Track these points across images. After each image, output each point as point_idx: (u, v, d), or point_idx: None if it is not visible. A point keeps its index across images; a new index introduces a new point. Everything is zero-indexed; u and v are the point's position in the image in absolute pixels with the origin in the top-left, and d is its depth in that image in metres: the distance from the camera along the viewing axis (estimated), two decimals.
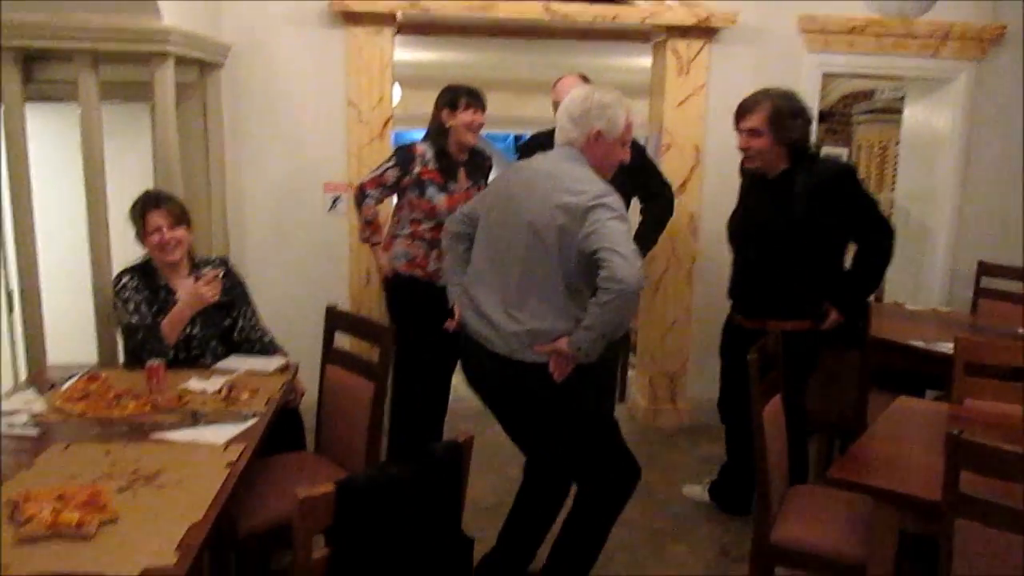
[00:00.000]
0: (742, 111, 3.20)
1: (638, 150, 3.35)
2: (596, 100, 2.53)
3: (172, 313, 2.89)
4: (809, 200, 3.11)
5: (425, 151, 3.58)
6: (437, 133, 3.59)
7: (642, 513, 3.62)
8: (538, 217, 2.45)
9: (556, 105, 3.35)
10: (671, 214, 3.89)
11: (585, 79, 3.65)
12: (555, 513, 2.88)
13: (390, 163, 3.60)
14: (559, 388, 2.49)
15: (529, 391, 2.54)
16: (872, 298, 6.12)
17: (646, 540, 3.41)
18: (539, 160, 2.63)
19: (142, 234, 2.98)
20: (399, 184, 3.58)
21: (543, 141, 3.38)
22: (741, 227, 3.38)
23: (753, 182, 3.34)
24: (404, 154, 3.59)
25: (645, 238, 3.71)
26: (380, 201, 3.66)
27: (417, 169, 3.54)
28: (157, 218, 2.95)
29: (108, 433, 2.29)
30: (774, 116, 3.11)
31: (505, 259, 2.54)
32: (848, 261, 3.30)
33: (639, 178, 3.57)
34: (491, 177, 3.70)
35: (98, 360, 3.37)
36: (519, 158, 3.47)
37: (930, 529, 2.02)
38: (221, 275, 2.97)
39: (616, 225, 2.35)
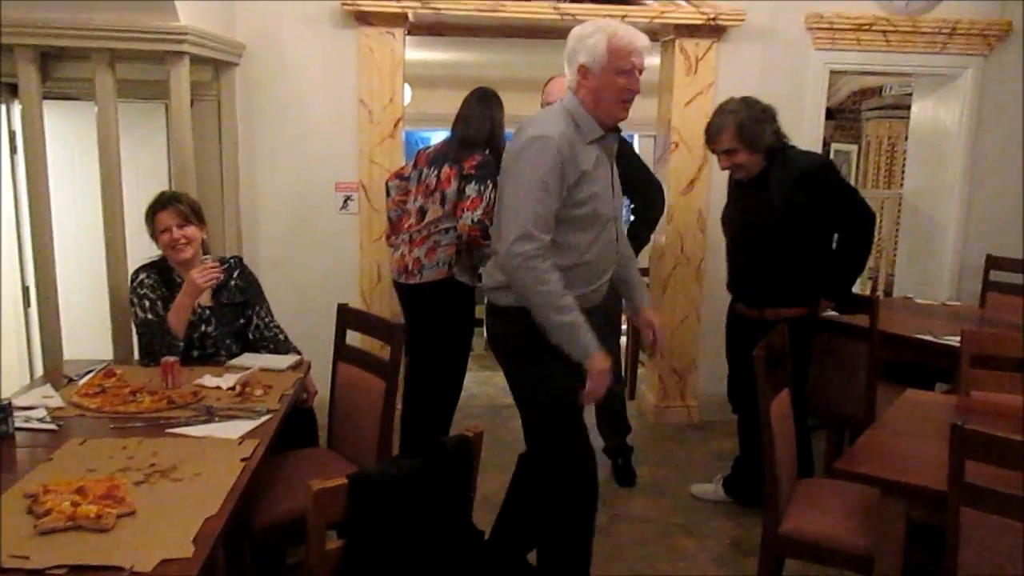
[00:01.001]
0: (710, 136, 3.35)
1: (624, 149, 3.36)
2: (576, 34, 2.46)
3: (174, 304, 2.93)
4: (784, 194, 3.22)
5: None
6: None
7: (653, 509, 3.65)
8: None
9: (545, 106, 3.41)
10: (661, 212, 3.92)
11: None
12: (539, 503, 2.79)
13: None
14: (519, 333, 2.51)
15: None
16: (881, 292, 6.17)
17: (657, 535, 3.44)
18: None
19: (154, 234, 3.04)
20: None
21: None
22: (730, 223, 3.53)
23: (735, 183, 3.49)
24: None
25: (635, 236, 3.68)
26: (403, 194, 3.73)
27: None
28: (166, 218, 3.00)
29: (124, 428, 2.33)
30: (740, 130, 3.23)
31: None
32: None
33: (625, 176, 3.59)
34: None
35: (113, 356, 3.42)
36: None
37: (937, 519, 2.03)
38: (218, 263, 3.00)
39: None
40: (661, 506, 3.68)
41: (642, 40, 2.46)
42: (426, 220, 3.57)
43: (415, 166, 3.71)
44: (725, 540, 3.41)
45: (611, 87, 2.43)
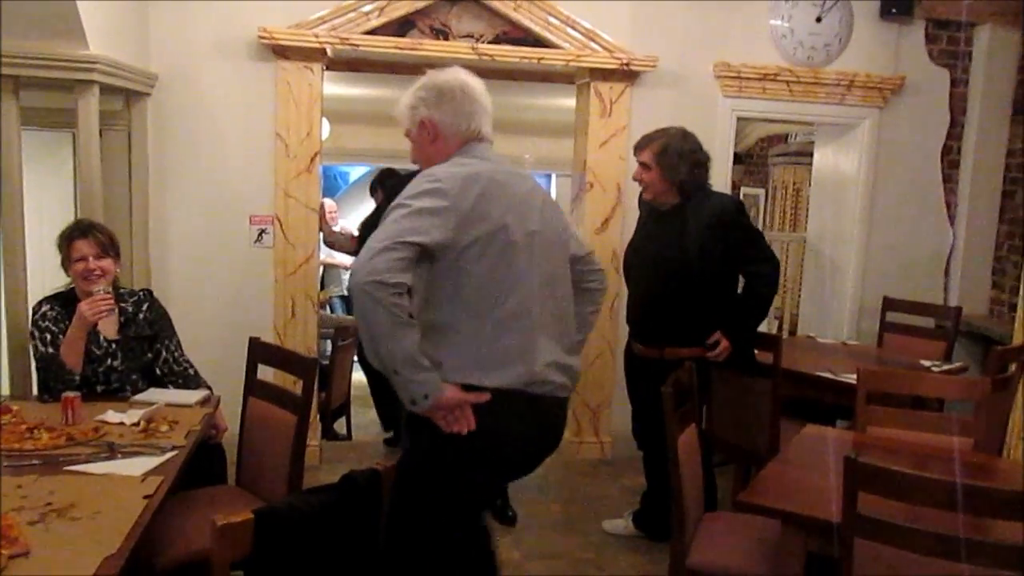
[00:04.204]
0: (638, 145, 3.48)
1: None
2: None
3: (65, 338, 2.84)
4: (698, 232, 3.32)
5: None
6: None
7: (565, 545, 3.67)
8: (554, 227, 2.29)
9: None
10: None
11: None
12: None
13: None
14: None
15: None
16: (786, 330, 6.39)
17: (569, 571, 3.45)
18: (500, 160, 2.30)
19: (67, 261, 2.93)
20: None
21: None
22: (637, 256, 3.57)
23: (649, 213, 3.55)
24: None
25: None
26: None
27: None
28: (83, 247, 2.91)
29: (19, 466, 2.23)
30: (661, 153, 3.36)
31: (551, 284, 2.25)
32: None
33: None
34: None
35: (10, 392, 3.28)
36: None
37: (834, 550, 2.11)
38: (110, 294, 2.89)
39: None
40: (572, 542, 3.70)
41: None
42: None
43: None
44: (635, 575, 3.45)
45: None
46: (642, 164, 3.42)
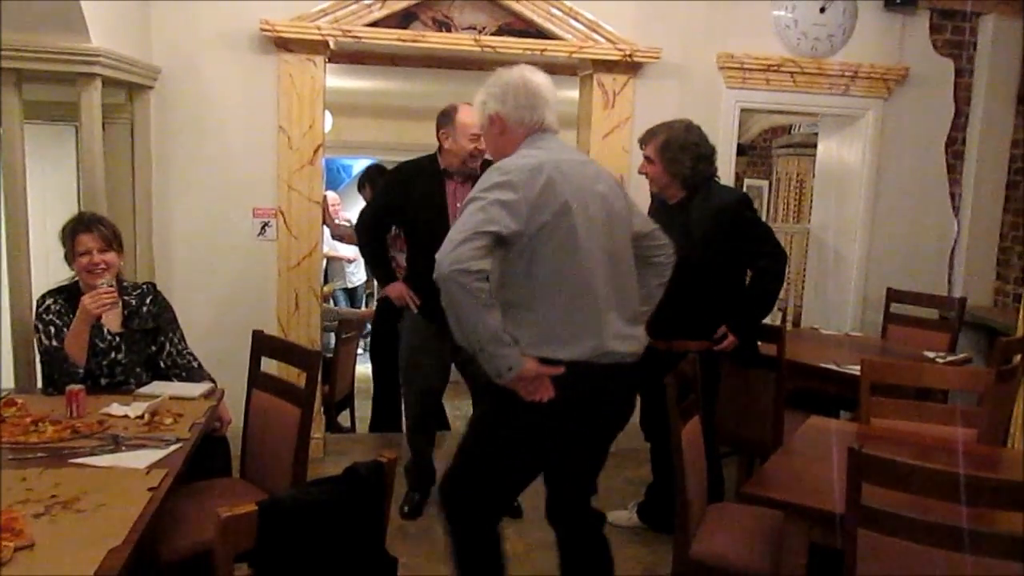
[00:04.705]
0: (642, 139, 3.46)
1: None
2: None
3: (70, 331, 2.84)
4: (703, 227, 3.30)
5: None
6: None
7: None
8: (616, 208, 2.45)
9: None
10: None
11: None
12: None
13: None
14: None
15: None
16: (790, 322, 6.38)
17: None
18: (564, 148, 2.50)
19: (71, 255, 2.94)
20: None
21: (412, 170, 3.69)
22: None
23: (659, 207, 3.52)
24: None
25: None
26: None
27: None
28: (87, 240, 2.92)
29: (24, 459, 2.24)
30: (663, 147, 3.34)
31: (614, 261, 2.43)
32: None
33: None
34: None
35: (15, 385, 3.29)
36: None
37: (837, 541, 2.11)
38: (113, 287, 2.88)
39: None
40: None
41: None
42: None
43: None
44: (639, 567, 3.45)
45: None
46: (646, 158, 3.42)
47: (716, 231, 3.30)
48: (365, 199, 5.40)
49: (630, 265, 2.50)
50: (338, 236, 6.12)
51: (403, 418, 4.32)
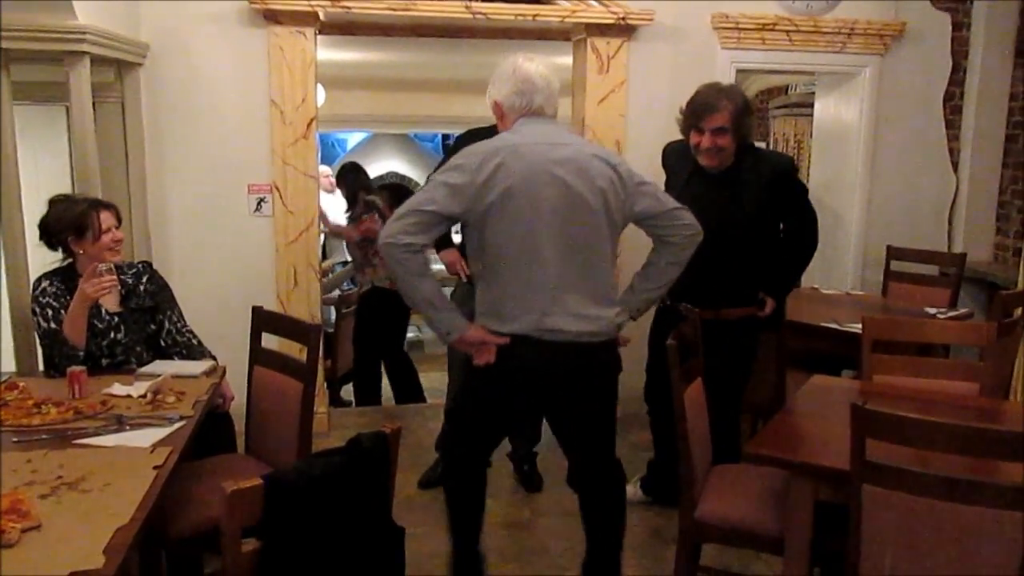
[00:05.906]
0: (706, 110, 3.15)
1: None
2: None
3: (68, 314, 2.82)
4: (758, 193, 3.19)
5: None
6: None
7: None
8: (591, 191, 2.47)
9: None
10: None
11: None
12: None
13: None
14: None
15: (613, 366, 2.68)
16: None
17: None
18: (541, 132, 2.53)
19: (95, 234, 2.88)
20: None
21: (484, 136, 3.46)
22: None
23: (692, 176, 3.30)
24: None
25: None
26: None
27: None
28: (109, 217, 2.93)
29: (28, 441, 2.24)
30: (736, 115, 3.13)
31: (574, 244, 2.48)
32: None
33: None
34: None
35: (16, 369, 3.29)
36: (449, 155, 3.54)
37: (842, 498, 2.12)
38: (111, 268, 2.83)
39: None
40: None
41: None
42: None
43: None
44: (645, 530, 3.48)
45: None
46: (717, 130, 3.13)
47: (771, 197, 3.20)
48: (344, 196, 5.56)
49: (600, 248, 2.53)
50: (336, 235, 6.18)
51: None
